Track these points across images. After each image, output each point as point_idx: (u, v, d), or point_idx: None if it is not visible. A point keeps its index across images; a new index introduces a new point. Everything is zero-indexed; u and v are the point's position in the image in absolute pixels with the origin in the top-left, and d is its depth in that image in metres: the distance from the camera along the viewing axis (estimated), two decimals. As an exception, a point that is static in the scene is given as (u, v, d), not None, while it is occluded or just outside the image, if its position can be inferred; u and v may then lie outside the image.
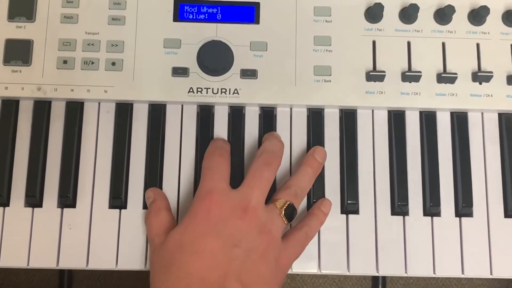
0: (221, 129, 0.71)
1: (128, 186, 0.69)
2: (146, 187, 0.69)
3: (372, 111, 0.71)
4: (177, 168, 0.70)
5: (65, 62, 0.69)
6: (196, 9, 0.71)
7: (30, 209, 0.68)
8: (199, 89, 0.69)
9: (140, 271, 0.69)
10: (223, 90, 0.70)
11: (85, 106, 0.70)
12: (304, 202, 0.69)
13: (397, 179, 0.69)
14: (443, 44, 0.71)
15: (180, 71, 0.69)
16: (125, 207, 0.68)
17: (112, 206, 0.69)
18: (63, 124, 0.70)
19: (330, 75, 0.70)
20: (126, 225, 0.68)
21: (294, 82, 0.70)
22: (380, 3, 0.70)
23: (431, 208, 0.69)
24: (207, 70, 0.69)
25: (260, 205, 0.63)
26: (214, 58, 0.69)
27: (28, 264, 0.67)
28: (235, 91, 0.70)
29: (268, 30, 0.71)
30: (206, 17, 0.71)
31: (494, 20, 0.71)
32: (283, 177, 0.69)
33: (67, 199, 0.68)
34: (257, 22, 0.71)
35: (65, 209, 0.68)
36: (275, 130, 0.71)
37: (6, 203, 0.68)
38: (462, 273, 0.68)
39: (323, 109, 0.71)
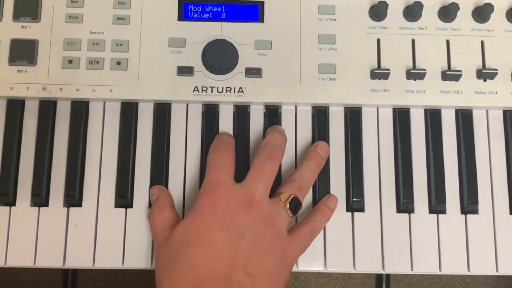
0: (226, 128, 0.71)
1: (134, 185, 0.69)
2: (151, 186, 0.69)
3: (377, 109, 0.72)
4: (182, 167, 0.70)
5: (70, 61, 0.69)
6: (200, 8, 0.71)
7: (36, 208, 0.68)
8: (204, 88, 0.70)
9: (144, 272, 0.70)
10: (228, 89, 0.70)
11: (91, 105, 0.71)
12: (310, 199, 0.69)
13: (403, 177, 0.69)
14: (448, 42, 0.71)
15: (185, 70, 0.70)
16: (131, 206, 0.69)
17: (118, 205, 0.69)
18: (68, 123, 0.70)
19: (334, 73, 0.70)
20: (132, 224, 0.68)
21: (299, 81, 0.70)
22: (384, 1, 0.70)
23: (437, 205, 0.69)
24: (212, 69, 0.70)
25: (265, 198, 0.64)
26: (219, 57, 0.69)
27: (34, 264, 0.67)
28: (240, 90, 0.70)
29: (272, 29, 0.71)
30: (211, 16, 0.71)
31: (498, 17, 0.71)
32: (289, 175, 0.69)
33: (73, 198, 0.68)
34: (262, 20, 0.71)
35: (71, 208, 0.68)
36: (280, 129, 0.71)
37: (12, 203, 0.68)
38: (468, 270, 0.68)
39: (328, 107, 0.71)
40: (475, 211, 0.69)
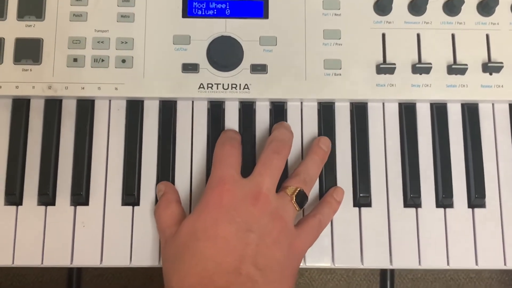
0: (232, 124, 0.71)
1: (141, 183, 0.69)
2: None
3: (383, 104, 0.71)
4: (188, 164, 0.70)
5: (75, 60, 0.69)
6: (204, 5, 0.71)
7: (43, 207, 0.68)
8: (210, 85, 0.69)
9: (149, 271, 0.70)
10: (234, 86, 0.70)
11: (96, 103, 0.71)
12: (316, 194, 0.69)
13: (409, 171, 0.69)
14: (453, 36, 0.71)
15: (190, 67, 0.70)
16: (138, 204, 0.69)
17: (125, 203, 0.69)
18: (74, 122, 0.70)
19: (340, 69, 0.70)
20: (139, 221, 0.68)
21: (304, 76, 0.70)
22: (389, -4, 0.70)
23: (444, 199, 0.69)
24: (217, 66, 0.69)
25: (271, 192, 0.64)
26: (224, 54, 0.69)
27: (42, 263, 0.67)
28: (246, 86, 0.70)
29: (277, 25, 0.71)
30: (215, 12, 0.71)
31: (503, 10, 0.71)
32: (295, 171, 0.69)
33: (80, 197, 0.68)
34: (266, 17, 0.71)
35: (78, 207, 0.68)
36: (286, 125, 0.71)
37: (19, 202, 0.68)
38: (476, 264, 0.68)
39: (334, 102, 0.71)
40: (482, 205, 0.69)
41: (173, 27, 0.71)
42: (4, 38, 0.69)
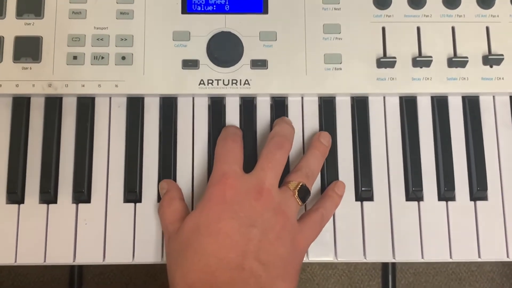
0: (232, 120, 0.71)
1: (142, 180, 0.69)
2: (160, 181, 0.69)
3: (384, 97, 0.71)
4: (190, 160, 0.70)
5: (75, 57, 0.69)
6: (204, 0, 0.71)
7: (45, 205, 0.68)
8: (210, 81, 0.69)
9: (151, 268, 0.70)
10: (234, 81, 0.69)
11: (97, 101, 0.70)
12: (318, 189, 0.69)
13: (411, 165, 0.69)
14: (453, 28, 0.71)
15: (190, 64, 0.69)
16: (139, 201, 0.68)
17: (126, 200, 0.69)
18: (75, 119, 0.70)
19: (340, 63, 0.70)
20: (142, 218, 0.68)
21: (304, 71, 0.70)
22: (388, -11, 0.70)
23: (446, 192, 0.69)
24: (217, 62, 0.69)
25: (274, 187, 0.64)
26: (224, 50, 0.69)
27: (44, 261, 0.67)
28: (246, 82, 0.69)
29: (277, 20, 0.71)
30: (214, 8, 0.71)
31: (503, 2, 0.71)
32: (297, 166, 0.69)
33: (82, 194, 0.68)
34: (266, 12, 0.71)
35: (80, 205, 0.68)
36: (287, 120, 0.71)
37: (20, 201, 0.68)
38: (479, 256, 0.68)
39: (335, 97, 0.71)
40: (484, 198, 0.69)
41: (172, 24, 0.70)
42: (3, 37, 0.69)
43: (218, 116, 0.70)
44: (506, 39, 0.71)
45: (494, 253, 0.68)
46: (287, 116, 0.71)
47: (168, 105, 0.70)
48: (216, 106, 0.71)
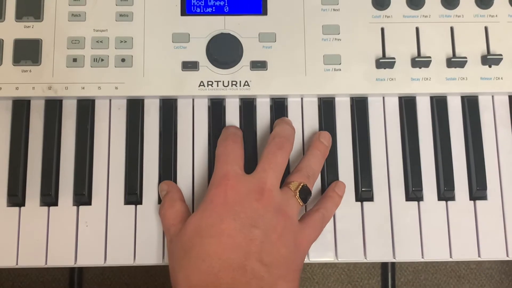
0: (233, 121, 0.71)
1: (143, 182, 0.69)
2: (160, 182, 0.69)
3: (383, 98, 0.72)
4: (190, 162, 0.70)
5: (74, 60, 0.69)
6: (203, 2, 0.71)
7: (46, 208, 0.68)
8: (210, 83, 0.70)
9: (151, 269, 0.70)
10: (234, 83, 0.70)
11: (97, 103, 0.71)
12: (319, 189, 0.69)
13: (411, 165, 0.69)
14: (452, 29, 0.71)
15: (190, 65, 0.70)
16: (140, 203, 0.69)
17: (127, 202, 0.69)
18: (75, 122, 0.70)
19: (340, 64, 0.70)
20: (142, 220, 0.68)
21: (304, 72, 0.70)
22: (387, -10, 0.70)
23: (446, 192, 0.69)
24: (217, 63, 0.69)
25: (275, 188, 0.64)
26: (224, 51, 0.69)
27: (46, 263, 0.67)
28: (246, 83, 0.70)
29: (276, 21, 0.71)
30: (214, 10, 0.71)
31: (501, 3, 0.71)
32: (297, 167, 0.69)
33: (83, 196, 0.68)
34: (265, 13, 0.71)
35: (81, 207, 0.68)
36: (287, 121, 0.71)
37: (21, 203, 0.68)
38: (479, 256, 0.68)
39: (334, 98, 0.71)
40: (484, 197, 0.70)
41: (172, 25, 0.70)
42: (3, 40, 0.69)
43: (218, 117, 0.71)
44: (504, 39, 0.71)
45: (494, 252, 0.69)
46: (287, 117, 0.71)
47: (168, 107, 0.70)
48: (216, 107, 0.71)
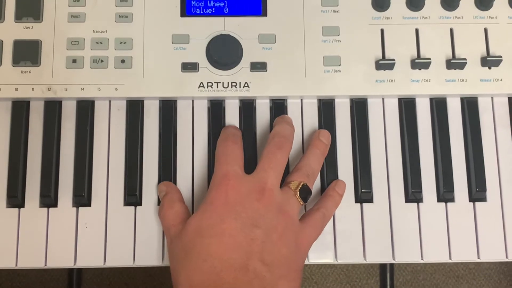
0: (232, 122, 0.71)
1: (142, 183, 0.69)
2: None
3: (383, 99, 0.72)
4: (190, 163, 0.70)
5: (74, 61, 0.69)
6: (203, 3, 0.71)
7: (45, 209, 0.68)
8: (209, 84, 0.69)
9: (149, 268, 0.70)
10: (234, 84, 0.70)
11: (96, 104, 0.71)
12: (319, 189, 0.69)
13: (410, 167, 0.69)
14: (451, 30, 0.71)
15: (189, 67, 0.69)
16: (140, 204, 0.69)
17: (127, 203, 0.69)
18: (74, 123, 0.70)
19: (339, 65, 0.70)
20: (142, 221, 0.68)
21: (304, 74, 0.70)
22: (387, -9, 0.70)
23: (445, 194, 0.69)
24: (217, 65, 0.69)
25: (276, 187, 0.64)
26: (223, 52, 0.69)
27: (45, 264, 0.67)
28: (246, 85, 0.70)
29: (276, 22, 0.71)
30: (213, 11, 0.71)
31: (501, 4, 0.71)
32: (297, 168, 0.69)
33: (82, 198, 0.68)
34: (265, 14, 0.71)
35: (80, 208, 0.68)
36: (287, 122, 0.71)
37: (21, 204, 0.68)
38: (478, 257, 0.68)
39: (334, 99, 0.71)
40: (483, 199, 0.70)
41: (171, 27, 0.70)
42: (2, 41, 0.69)
43: (217, 118, 0.71)
44: (504, 40, 0.71)
45: (493, 253, 0.69)
46: (287, 118, 0.71)
47: (168, 108, 0.70)
48: (216, 108, 0.71)
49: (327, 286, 1.11)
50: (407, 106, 0.71)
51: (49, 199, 0.68)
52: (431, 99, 0.71)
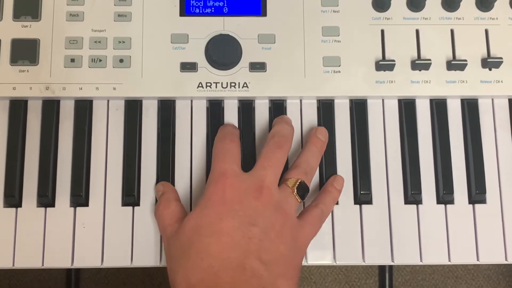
0: (231, 123, 0.70)
1: (140, 183, 0.69)
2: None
3: (383, 100, 0.71)
4: (188, 163, 0.69)
5: (72, 60, 0.69)
6: (202, 3, 0.71)
7: (42, 209, 0.68)
8: (208, 84, 0.69)
9: (148, 268, 0.70)
10: (232, 84, 0.69)
11: (94, 104, 0.70)
12: (316, 187, 0.69)
13: (410, 168, 0.69)
14: (452, 31, 0.71)
15: (188, 66, 0.69)
16: (138, 204, 0.68)
17: (125, 203, 0.68)
18: (72, 122, 0.70)
19: (339, 66, 0.70)
20: (140, 222, 0.68)
21: (303, 74, 0.69)
22: (387, -8, 0.70)
23: (445, 196, 0.69)
24: (216, 65, 0.69)
25: (274, 185, 0.64)
26: (222, 52, 0.69)
27: (42, 265, 0.67)
28: (245, 85, 0.69)
29: (275, 22, 0.70)
30: (213, 10, 0.71)
31: (502, 5, 0.71)
32: (296, 169, 0.69)
33: (80, 198, 0.68)
34: (264, 14, 0.71)
35: (78, 208, 0.68)
36: (286, 123, 0.70)
37: (18, 204, 0.68)
38: (477, 260, 0.68)
39: (333, 100, 0.71)
40: (483, 201, 0.69)
41: (170, 26, 0.70)
42: (0, 39, 0.69)
43: (216, 119, 0.70)
44: (505, 42, 0.70)
45: (492, 256, 0.68)
46: (286, 119, 0.71)
47: (166, 108, 0.70)
48: (215, 109, 0.70)
49: (326, 286, 1.11)
50: (407, 107, 0.71)
51: (46, 199, 0.67)
52: (431, 101, 0.71)
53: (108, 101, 0.70)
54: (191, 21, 0.70)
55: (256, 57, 0.70)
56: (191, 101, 0.71)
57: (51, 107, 0.69)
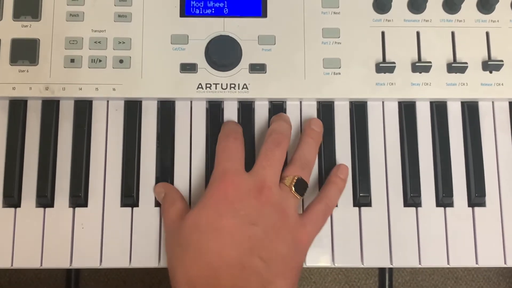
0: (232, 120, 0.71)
1: (140, 184, 0.69)
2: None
3: (383, 102, 0.71)
4: (188, 164, 0.69)
5: (72, 60, 0.69)
6: (202, 3, 0.71)
7: (41, 209, 0.68)
8: (208, 85, 0.69)
9: (147, 267, 0.69)
10: (232, 85, 0.69)
11: (94, 104, 0.70)
12: (316, 182, 0.69)
13: (409, 171, 0.69)
14: (453, 34, 0.71)
15: (188, 67, 0.69)
16: (137, 205, 0.68)
17: (124, 204, 0.68)
18: (72, 123, 0.69)
19: (339, 68, 0.70)
20: (139, 223, 0.68)
21: (303, 76, 0.69)
22: (388, -7, 0.69)
23: (444, 198, 0.68)
24: (216, 66, 0.69)
25: (274, 184, 0.64)
26: (223, 53, 0.69)
27: (41, 265, 0.67)
28: (244, 86, 0.69)
29: (276, 24, 0.70)
30: (213, 11, 0.71)
31: (503, 8, 0.71)
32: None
33: (79, 198, 0.68)
34: (265, 15, 0.70)
35: (77, 209, 0.68)
36: (285, 124, 0.70)
37: (17, 204, 0.68)
38: (476, 263, 0.68)
39: (333, 102, 0.71)
40: (482, 204, 0.69)
41: (170, 27, 0.70)
42: (0, 39, 0.69)
43: (216, 120, 0.70)
44: (506, 44, 0.70)
45: (491, 259, 0.68)
46: (285, 120, 0.70)
47: (166, 109, 0.70)
48: (214, 110, 0.70)
49: (326, 286, 1.11)
50: (407, 110, 0.70)
51: (45, 199, 0.67)
52: (431, 103, 0.71)
53: (107, 101, 0.70)
54: (191, 22, 0.70)
55: (256, 59, 0.69)
56: (191, 102, 0.71)
57: (50, 107, 0.69)
